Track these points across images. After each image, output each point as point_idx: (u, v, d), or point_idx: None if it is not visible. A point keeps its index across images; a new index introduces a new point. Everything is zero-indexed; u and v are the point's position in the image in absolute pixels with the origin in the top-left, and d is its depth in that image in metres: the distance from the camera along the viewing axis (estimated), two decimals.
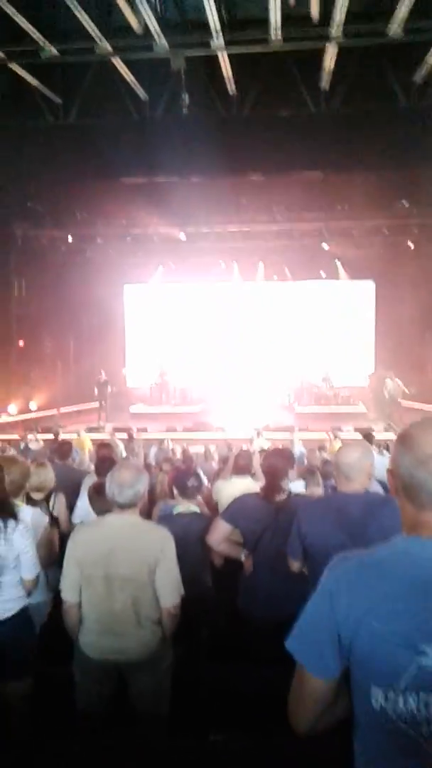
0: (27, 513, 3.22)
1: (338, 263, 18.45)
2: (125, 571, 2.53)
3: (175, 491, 3.65)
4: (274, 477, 3.19)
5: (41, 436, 12.14)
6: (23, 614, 2.84)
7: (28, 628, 2.86)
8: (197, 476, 3.73)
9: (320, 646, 1.24)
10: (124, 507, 2.59)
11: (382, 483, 4.31)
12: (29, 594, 2.91)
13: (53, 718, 2.64)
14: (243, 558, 3.24)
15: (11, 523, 2.79)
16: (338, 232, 16.40)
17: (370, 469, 2.60)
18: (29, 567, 2.84)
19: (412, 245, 17.02)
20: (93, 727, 2.56)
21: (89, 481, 4.99)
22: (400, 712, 1.19)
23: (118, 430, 13.65)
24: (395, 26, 7.51)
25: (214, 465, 9.79)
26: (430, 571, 1.20)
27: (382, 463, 5.65)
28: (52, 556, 3.41)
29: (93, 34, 7.81)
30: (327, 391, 17.43)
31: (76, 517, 4.20)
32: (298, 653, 1.27)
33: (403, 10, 7.19)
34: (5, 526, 2.77)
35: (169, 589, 2.57)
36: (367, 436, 7.33)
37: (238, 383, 17.79)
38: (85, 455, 10.04)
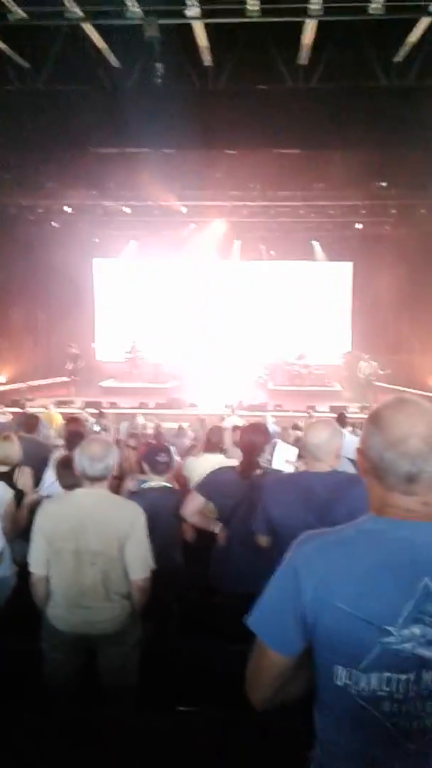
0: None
1: (316, 243, 18.44)
2: (95, 546, 2.53)
3: (146, 466, 3.65)
4: (251, 453, 3.20)
5: (8, 410, 11.99)
6: None
7: None
8: (168, 452, 3.73)
9: (283, 624, 1.24)
10: (94, 480, 2.58)
11: (353, 461, 4.36)
12: None
13: (18, 693, 2.63)
14: (217, 531, 3.25)
15: None
16: (315, 211, 16.34)
17: (339, 450, 2.62)
18: None
19: (389, 228, 17.08)
20: (61, 701, 2.57)
21: (58, 455, 4.95)
22: (361, 690, 1.20)
23: (88, 404, 13.57)
24: (376, 3, 7.42)
25: (187, 441, 9.81)
26: (395, 551, 1.20)
27: (353, 442, 5.71)
28: (17, 529, 3.38)
29: None
30: (302, 370, 17.52)
31: (43, 490, 4.17)
32: (260, 630, 1.27)
33: None
34: None
35: (139, 563, 2.58)
36: (340, 416, 7.40)
37: (212, 360, 17.78)
38: (50, 431, 9.95)
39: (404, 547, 1.20)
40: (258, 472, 3.17)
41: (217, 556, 3.28)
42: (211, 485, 3.27)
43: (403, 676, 1.18)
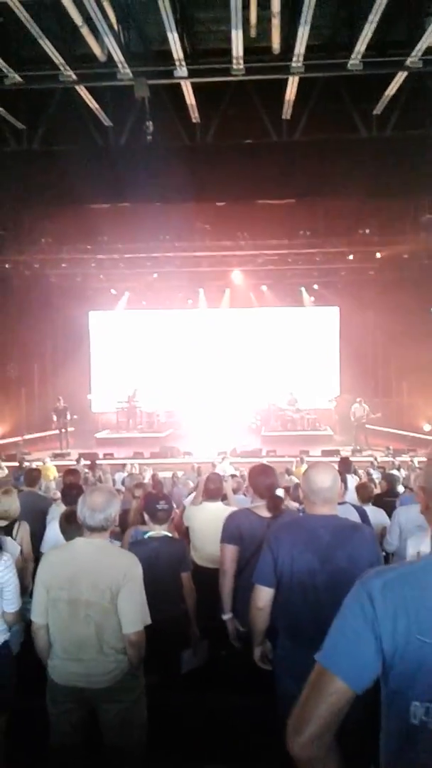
0: (8, 543, 3.12)
1: (303, 289, 18.79)
2: (88, 595, 2.47)
3: (146, 516, 3.59)
4: (272, 493, 3.22)
5: (5, 464, 11.89)
6: (4, 649, 2.73)
7: (7, 663, 2.76)
8: (168, 500, 3.68)
9: (358, 653, 1.22)
10: (93, 530, 2.55)
11: (355, 506, 4.35)
12: (10, 628, 2.81)
13: (27, 752, 2.52)
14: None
15: None
16: (302, 258, 16.70)
17: (341, 494, 2.61)
18: (12, 599, 2.76)
19: (373, 273, 17.46)
20: (65, 761, 2.45)
21: (56, 509, 4.89)
22: None
23: (84, 456, 13.47)
24: (354, 60, 7.77)
25: (184, 490, 9.71)
26: None
27: (354, 485, 5.69)
28: (24, 585, 3.31)
29: (57, 62, 7.86)
30: (293, 414, 17.55)
31: (45, 545, 4.09)
32: (330, 659, 1.23)
33: (361, 45, 7.44)
34: None
35: (131, 617, 2.48)
36: (345, 461, 7.39)
37: (205, 408, 17.79)
38: (50, 483, 9.85)
39: None
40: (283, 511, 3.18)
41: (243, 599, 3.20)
42: (234, 530, 3.27)
43: None
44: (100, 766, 2.52)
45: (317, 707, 1.21)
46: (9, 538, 3.42)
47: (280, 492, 4.02)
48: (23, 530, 3.93)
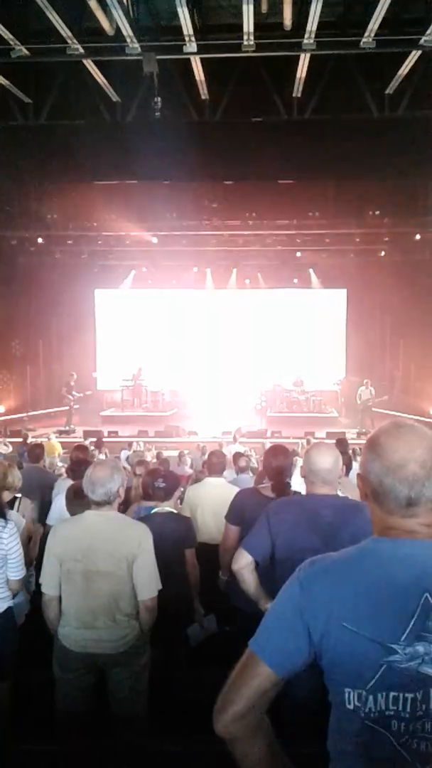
0: (12, 515, 3.19)
1: (311, 271, 18.68)
2: (104, 566, 2.56)
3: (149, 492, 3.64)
4: (280, 475, 3.24)
5: (9, 440, 11.99)
6: (7, 615, 2.81)
7: (10, 630, 2.84)
8: (167, 478, 3.71)
9: (285, 641, 1.23)
10: (99, 504, 2.61)
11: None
12: (14, 595, 2.89)
13: (31, 720, 2.59)
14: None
15: (1, 522, 2.77)
16: (311, 239, 16.58)
17: (342, 474, 2.63)
18: (17, 567, 2.83)
19: (383, 254, 17.33)
20: (72, 726, 2.54)
21: (62, 484, 4.95)
22: (369, 711, 1.19)
23: (88, 434, 13.57)
24: (367, 38, 7.64)
25: (187, 469, 9.79)
26: (398, 570, 1.20)
27: (355, 467, 5.72)
28: (31, 558, 3.38)
29: (65, 35, 7.76)
30: (299, 396, 17.56)
31: (51, 518, 4.15)
32: (259, 646, 1.25)
33: (374, 22, 7.32)
34: None
35: (147, 583, 2.60)
36: (342, 441, 7.39)
37: (211, 388, 17.81)
38: (55, 459, 9.94)
39: (405, 564, 1.20)
40: (290, 493, 3.19)
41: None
42: (238, 511, 3.31)
43: (410, 695, 1.17)
44: (107, 731, 2.60)
45: (241, 689, 1.23)
46: (13, 510, 3.48)
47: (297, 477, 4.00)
48: (24, 504, 4.00)
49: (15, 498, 3.96)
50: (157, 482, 3.56)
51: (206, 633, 3.51)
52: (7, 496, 3.88)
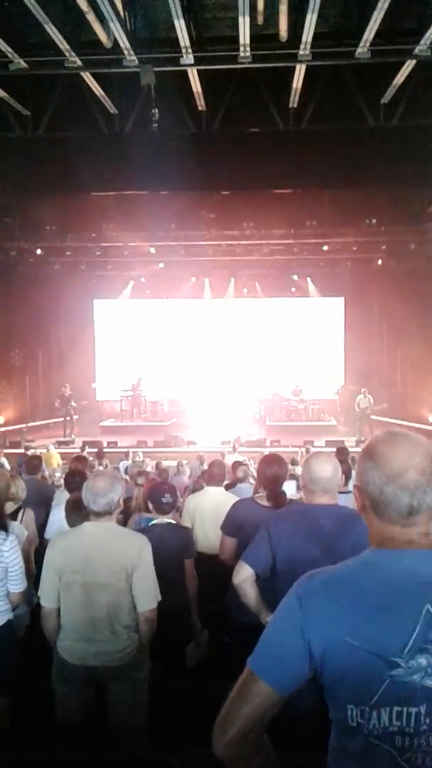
0: (15, 526, 3.18)
1: (308, 280, 18.74)
2: (103, 578, 2.54)
3: (151, 506, 3.62)
4: (276, 485, 3.21)
5: (8, 451, 11.98)
6: (7, 628, 2.78)
7: (10, 644, 2.82)
8: (172, 492, 3.70)
9: (284, 659, 1.21)
10: (99, 515, 2.60)
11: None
12: (15, 608, 2.87)
13: (31, 733, 2.57)
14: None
15: (2, 535, 2.76)
16: (308, 248, 16.64)
17: (341, 483, 2.62)
18: (18, 580, 2.81)
19: (380, 262, 17.39)
20: (72, 739, 2.51)
21: (60, 495, 4.93)
22: (373, 728, 1.17)
23: (88, 443, 13.55)
24: (362, 48, 7.70)
25: (185, 479, 9.77)
26: (398, 581, 1.19)
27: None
28: (31, 570, 3.36)
29: (62, 48, 7.81)
30: (298, 405, 17.55)
31: (50, 531, 4.13)
32: (258, 664, 1.22)
33: (369, 32, 7.37)
34: None
35: (146, 595, 2.59)
36: (342, 450, 7.39)
37: (210, 397, 17.80)
38: (53, 470, 9.92)
39: (406, 576, 1.19)
40: (287, 502, 3.17)
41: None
42: (235, 522, 3.29)
43: (414, 710, 1.15)
44: (106, 744, 2.57)
45: (241, 708, 1.20)
46: (15, 522, 3.46)
47: (291, 484, 3.98)
48: (28, 516, 3.98)
49: (19, 509, 3.95)
50: (165, 497, 3.54)
51: (200, 654, 3.48)
52: (11, 507, 3.88)
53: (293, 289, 19.14)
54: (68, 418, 16.30)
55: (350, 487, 4.65)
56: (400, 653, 1.15)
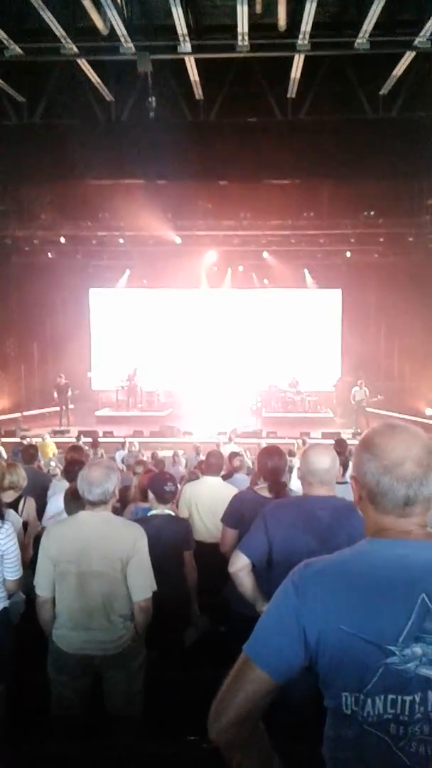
0: (10, 514, 3.18)
1: (306, 271, 18.70)
2: (98, 567, 2.55)
3: (150, 495, 3.62)
4: (276, 476, 3.23)
5: (4, 440, 11.98)
6: (4, 616, 2.80)
7: (6, 631, 2.83)
8: (174, 481, 3.71)
9: (280, 645, 1.22)
10: (94, 504, 2.61)
11: None
12: (11, 596, 2.88)
13: (27, 721, 2.59)
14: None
15: None
16: (305, 239, 16.60)
17: (339, 474, 2.63)
18: (13, 567, 2.82)
19: (377, 254, 17.37)
20: (68, 728, 2.53)
21: (57, 484, 4.94)
22: (367, 716, 1.18)
23: (84, 433, 13.55)
24: (362, 39, 7.65)
25: (181, 469, 9.79)
26: (393, 570, 1.19)
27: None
28: (26, 558, 3.37)
29: (58, 35, 7.74)
30: (294, 396, 17.58)
31: (46, 520, 4.14)
32: (254, 650, 1.23)
33: (368, 23, 7.33)
34: None
35: (141, 584, 2.60)
36: (341, 442, 7.42)
37: (206, 388, 17.81)
38: (49, 459, 9.93)
39: (401, 565, 1.20)
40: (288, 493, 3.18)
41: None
42: (235, 513, 3.29)
43: (408, 698, 1.16)
44: (102, 732, 2.59)
45: (236, 695, 1.21)
46: (12, 510, 3.47)
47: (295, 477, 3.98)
48: (29, 505, 4.00)
49: (20, 497, 3.96)
50: (168, 486, 3.55)
51: (198, 633, 3.51)
52: (12, 495, 3.89)
53: (290, 281, 19.09)
54: (64, 407, 16.30)
55: (347, 478, 4.68)
56: (395, 641, 1.15)
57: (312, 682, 1.27)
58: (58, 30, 7.65)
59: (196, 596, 3.57)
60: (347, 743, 1.21)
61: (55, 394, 16.36)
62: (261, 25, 7.91)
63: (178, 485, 4.06)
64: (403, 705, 1.17)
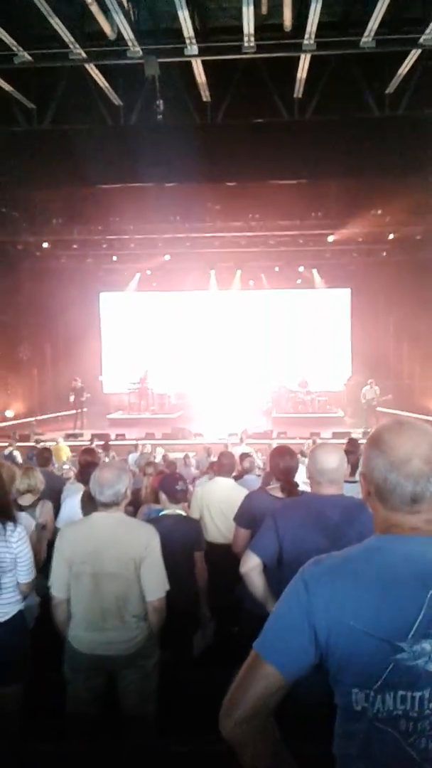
0: (23, 517, 3.22)
1: (314, 271, 18.67)
2: (111, 568, 2.57)
3: (162, 496, 3.65)
4: (288, 476, 3.25)
5: (18, 444, 12.06)
6: (19, 618, 2.82)
7: (22, 633, 2.86)
8: (184, 481, 3.73)
9: (291, 641, 1.23)
10: (106, 506, 2.63)
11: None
12: (24, 598, 2.91)
13: (43, 722, 2.62)
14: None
15: (10, 525, 2.80)
16: (313, 239, 16.58)
17: (347, 473, 2.64)
18: (26, 570, 2.85)
19: (386, 253, 17.30)
20: (83, 727, 2.55)
21: (70, 487, 4.98)
22: (377, 712, 1.18)
23: (96, 436, 13.62)
24: (367, 38, 7.64)
25: (193, 471, 9.81)
26: (403, 568, 1.20)
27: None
28: (39, 561, 3.39)
29: (67, 40, 7.79)
30: (304, 397, 17.55)
31: (60, 522, 4.18)
32: (264, 647, 1.24)
33: (374, 22, 7.32)
34: (4, 529, 2.78)
35: (154, 584, 2.62)
36: (353, 441, 7.40)
37: (217, 390, 17.83)
38: (63, 462, 9.98)
39: (410, 561, 1.20)
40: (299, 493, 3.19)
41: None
42: (247, 513, 3.31)
43: (418, 694, 1.17)
44: (117, 732, 2.61)
45: (247, 692, 1.21)
46: (24, 513, 3.50)
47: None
48: (47, 508, 4.03)
49: (38, 500, 4.00)
50: (179, 485, 3.58)
51: (206, 642, 3.51)
52: (29, 499, 3.93)
53: (299, 281, 19.07)
54: (79, 410, 16.40)
55: (357, 476, 4.67)
56: (405, 638, 1.16)
57: (322, 679, 1.27)
58: (67, 36, 7.70)
59: (206, 597, 3.58)
60: (357, 740, 1.21)
61: (72, 398, 16.45)
62: (267, 26, 7.93)
63: (189, 486, 4.08)
64: (412, 701, 1.17)
